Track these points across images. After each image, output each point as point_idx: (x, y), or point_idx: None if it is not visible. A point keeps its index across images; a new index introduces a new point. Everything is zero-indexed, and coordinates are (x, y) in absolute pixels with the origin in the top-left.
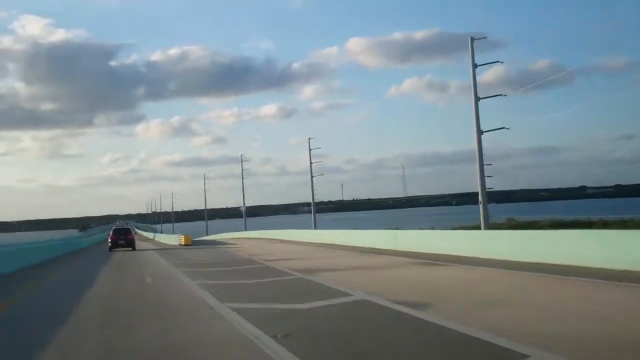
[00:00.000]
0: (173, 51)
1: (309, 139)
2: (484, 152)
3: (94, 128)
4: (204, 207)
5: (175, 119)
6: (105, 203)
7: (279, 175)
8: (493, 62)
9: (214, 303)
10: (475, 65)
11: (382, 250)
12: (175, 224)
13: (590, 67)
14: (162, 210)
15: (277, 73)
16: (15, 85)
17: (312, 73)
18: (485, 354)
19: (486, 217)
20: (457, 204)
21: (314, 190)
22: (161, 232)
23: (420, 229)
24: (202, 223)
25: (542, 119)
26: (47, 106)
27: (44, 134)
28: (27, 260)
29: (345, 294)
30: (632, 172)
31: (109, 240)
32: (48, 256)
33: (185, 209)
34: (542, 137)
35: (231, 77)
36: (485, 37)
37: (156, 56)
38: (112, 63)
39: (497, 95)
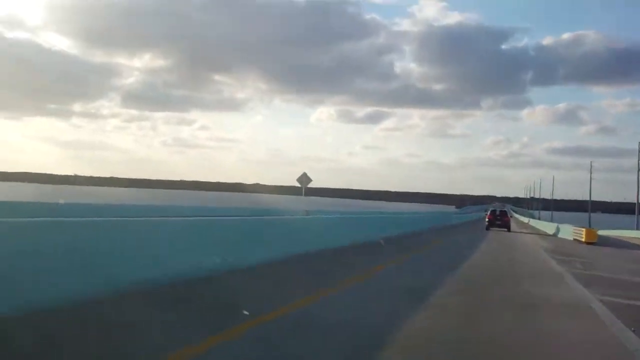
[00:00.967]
0: (565, 36)
1: None
2: None
3: (479, 110)
4: (582, 198)
5: (562, 106)
6: (482, 184)
7: None
8: None
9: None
10: None
11: None
12: (553, 212)
13: None
14: (540, 197)
15: None
16: (409, 66)
17: None
18: None
19: None
20: None
21: None
22: (538, 219)
23: None
24: (579, 215)
25: None
26: (436, 87)
27: (432, 113)
28: (417, 227)
29: None
30: None
31: (486, 219)
32: (429, 225)
33: (565, 197)
34: None
35: (627, 65)
36: None
37: (547, 40)
38: (503, 46)
39: None
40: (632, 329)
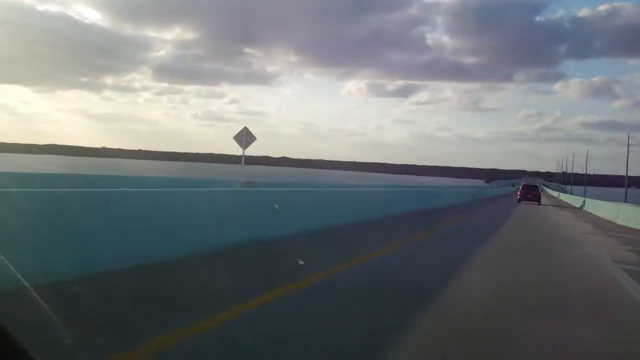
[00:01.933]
0: (602, 7)
1: None
2: None
3: (512, 84)
4: (615, 174)
5: (596, 80)
6: (513, 158)
7: None
8: None
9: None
10: None
11: None
12: (587, 186)
13: None
14: (573, 172)
15: None
16: (441, 38)
17: None
18: None
19: None
20: None
21: None
22: (570, 194)
23: None
24: (614, 190)
25: None
26: (469, 59)
27: (464, 86)
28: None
29: None
30: None
31: (518, 193)
32: (464, 199)
33: (598, 172)
34: None
35: None
36: None
37: (584, 12)
38: (537, 18)
39: None
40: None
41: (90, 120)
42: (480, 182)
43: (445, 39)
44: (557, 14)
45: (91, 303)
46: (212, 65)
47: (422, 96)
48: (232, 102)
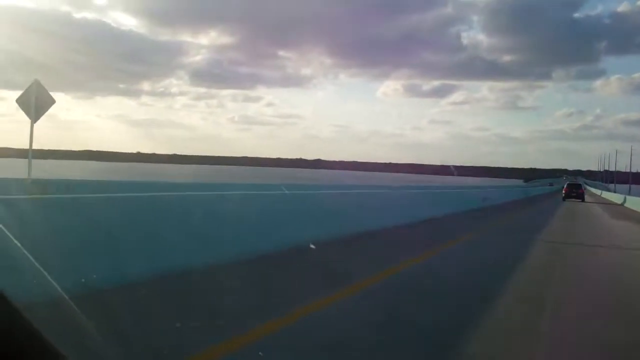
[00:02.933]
0: None
1: None
2: None
3: (550, 82)
4: None
5: (637, 75)
6: (553, 157)
7: None
8: None
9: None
10: None
11: None
12: (632, 185)
13: None
14: (616, 170)
15: None
16: (477, 37)
17: None
18: None
19: None
20: None
21: None
22: (614, 192)
23: None
24: None
25: None
26: (506, 58)
27: (502, 85)
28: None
29: None
30: None
31: (563, 192)
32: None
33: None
34: None
35: None
36: None
37: (623, 7)
38: (576, 15)
39: None
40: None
41: (129, 125)
42: (519, 182)
43: (482, 37)
44: (596, 9)
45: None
46: (248, 69)
47: (458, 96)
48: (267, 105)
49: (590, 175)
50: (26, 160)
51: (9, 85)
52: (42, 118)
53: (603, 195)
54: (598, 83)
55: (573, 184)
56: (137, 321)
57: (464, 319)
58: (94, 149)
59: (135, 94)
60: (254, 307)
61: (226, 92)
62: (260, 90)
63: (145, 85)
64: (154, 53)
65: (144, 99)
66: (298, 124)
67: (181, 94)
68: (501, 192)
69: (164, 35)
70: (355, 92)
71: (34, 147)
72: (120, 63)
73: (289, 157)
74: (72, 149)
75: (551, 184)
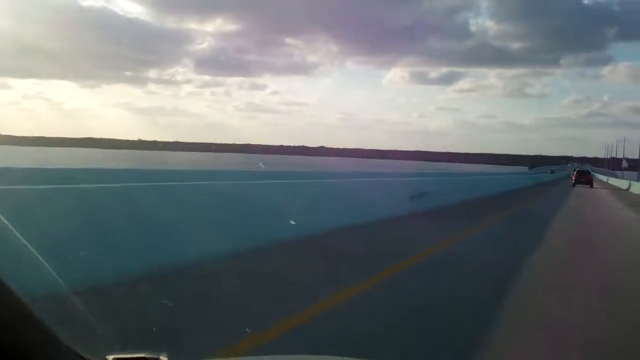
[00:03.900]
0: None
1: None
2: None
3: (559, 69)
4: None
5: None
6: (559, 144)
7: None
8: None
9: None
10: None
11: None
12: None
13: None
14: (623, 156)
15: None
16: (485, 23)
17: None
18: None
19: None
20: None
21: None
22: (622, 179)
23: None
24: None
25: None
26: (514, 45)
27: (509, 72)
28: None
29: None
30: None
31: (573, 178)
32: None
33: None
34: None
35: None
36: None
37: None
38: (585, 1)
39: None
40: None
41: (134, 113)
42: (524, 169)
43: (490, 24)
44: None
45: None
46: (254, 57)
47: (465, 83)
48: (273, 93)
49: (596, 162)
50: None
51: (16, 73)
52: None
53: (609, 182)
54: (606, 70)
55: (582, 171)
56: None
57: None
58: (96, 136)
59: (141, 81)
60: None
61: (232, 80)
62: (267, 78)
63: (152, 73)
64: (160, 41)
65: (150, 86)
66: (304, 111)
67: (187, 81)
68: (478, 182)
69: (170, 22)
70: (362, 79)
71: (37, 134)
72: (126, 51)
73: (293, 144)
74: (73, 137)
75: (552, 171)
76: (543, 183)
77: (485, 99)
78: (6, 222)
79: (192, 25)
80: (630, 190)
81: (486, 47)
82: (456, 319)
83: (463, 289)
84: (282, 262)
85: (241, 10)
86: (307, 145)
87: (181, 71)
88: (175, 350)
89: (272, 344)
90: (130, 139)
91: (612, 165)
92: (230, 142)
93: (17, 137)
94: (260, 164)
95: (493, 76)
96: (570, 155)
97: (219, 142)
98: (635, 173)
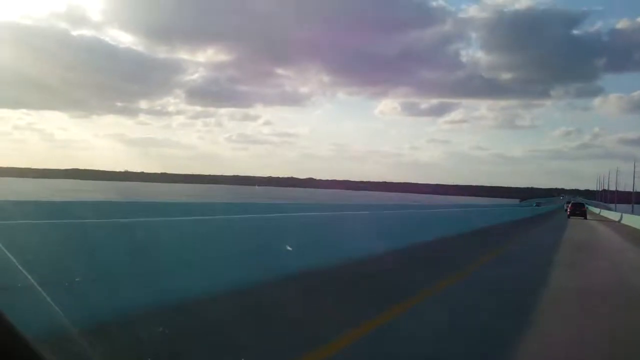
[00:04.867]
0: None
1: None
2: None
3: (549, 100)
4: None
5: (637, 94)
6: (550, 176)
7: None
8: None
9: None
10: None
11: None
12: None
13: None
14: (616, 189)
15: None
16: (476, 55)
17: None
18: None
19: None
20: None
21: None
22: (615, 211)
23: None
24: None
25: None
26: (505, 76)
27: (500, 103)
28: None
29: None
30: None
31: (568, 210)
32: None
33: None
34: None
35: None
36: None
37: (622, 24)
38: (575, 31)
39: None
40: None
41: (125, 144)
42: (515, 201)
43: (480, 54)
44: (595, 26)
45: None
46: (246, 87)
47: (456, 114)
48: (265, 124)
49: (588, 194)
50: None
51: (7, 104)
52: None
53: (602, 214)
54: (597, 101)
55: (577, 204)
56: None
57: None
58: (82, 167)
59: (132, 112)
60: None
61: (224, 111)
62: (258, 109)
63: (143, 104)
64: (152, 71)
65: (142, 117)
66: (295, 142)
67: (178, 112)
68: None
69: (162, 52)
70: (354, 110)
71: (25, 165)
72: (117, 81)
73: (282, 175)
74: (59, 168)
75: (538, 204)
76: (539, 215)
77: (476, 130)
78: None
79: (184, 55)
80: (621, 222)
81: (477, 78)
82: None
83: None
84: None
85: (233, 41)
86: (296, 176)
87: (172, 102)
88: None
89: None
90: (117, 170)
91: (604, 197)
92: (219, 173)
93: (4, 168)
94: (257, 187)
95: (484, 107)
96: (562, 187)
97: (206, 173)
98: (626, 205)
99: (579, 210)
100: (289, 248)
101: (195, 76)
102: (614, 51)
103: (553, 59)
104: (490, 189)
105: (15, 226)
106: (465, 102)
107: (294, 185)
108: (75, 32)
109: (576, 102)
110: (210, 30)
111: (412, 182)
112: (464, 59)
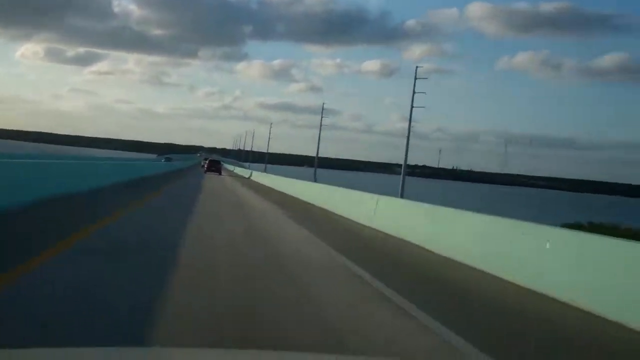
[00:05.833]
0: None
1: (413, 96)
2: None
3: (197, 60)
4: (289, 152)
5: (277, 62)
6: (192, 134)
7: (365, 132)
8: None
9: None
10: None
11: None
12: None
13: None
14: (250, 149)
15: (388, 28)
16: (128, 7)
17: (424, 33)
18: None
19: None
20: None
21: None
22: (248, 169)
23: None
24: (292, 168)
25: None
26: (155, 31)
27: (149, 59)
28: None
29: None
30: None
31: (205, 166)
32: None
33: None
34: None
35: (341, 27)
36: None
37: None
38: None
39: None
40: None
41: None
42: (153, 157)
43: (133, 7)
44: None
45: None
46: None
47: (103, 65)
48: None
49: (225, 153)
50: None
51: None
52: None
53: (235, 171)
54: (241, 65)
55: (213, 161)
56: None
57: None
58: None
59: None
60: None
61: None
62: None
63: None
64: None
65: None
66: None
67: None
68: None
69: None
70: None
71: None
72: None
73: None
74: None
75: (168, 159)
76: (176, 171)
77: (123, 83)
78: None
79: None
80: (250, 178)
81: (127, 30)
82: None
83: None
84: None
85: None
86: None
87: None
88: None
89: None
90: None
91: (240, 156)
92: None
93: None
94: None
95: (133, 61)
96: (201, 145)
97: None
98: (258, 164)
99: (215, 167)
100: None
101: None
102: (260, 19)
103: (203, 20)
104: (133, 143)
105: None
106: (113, 53)
107: None
108: None
109: (223, 64)
110: None
111: (51, 132)
112: (116, 9)
